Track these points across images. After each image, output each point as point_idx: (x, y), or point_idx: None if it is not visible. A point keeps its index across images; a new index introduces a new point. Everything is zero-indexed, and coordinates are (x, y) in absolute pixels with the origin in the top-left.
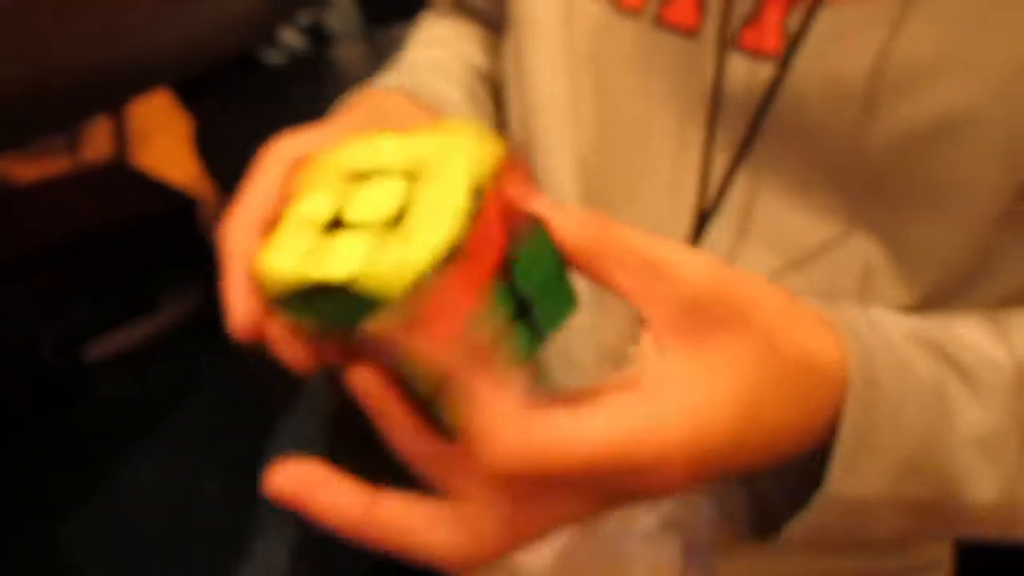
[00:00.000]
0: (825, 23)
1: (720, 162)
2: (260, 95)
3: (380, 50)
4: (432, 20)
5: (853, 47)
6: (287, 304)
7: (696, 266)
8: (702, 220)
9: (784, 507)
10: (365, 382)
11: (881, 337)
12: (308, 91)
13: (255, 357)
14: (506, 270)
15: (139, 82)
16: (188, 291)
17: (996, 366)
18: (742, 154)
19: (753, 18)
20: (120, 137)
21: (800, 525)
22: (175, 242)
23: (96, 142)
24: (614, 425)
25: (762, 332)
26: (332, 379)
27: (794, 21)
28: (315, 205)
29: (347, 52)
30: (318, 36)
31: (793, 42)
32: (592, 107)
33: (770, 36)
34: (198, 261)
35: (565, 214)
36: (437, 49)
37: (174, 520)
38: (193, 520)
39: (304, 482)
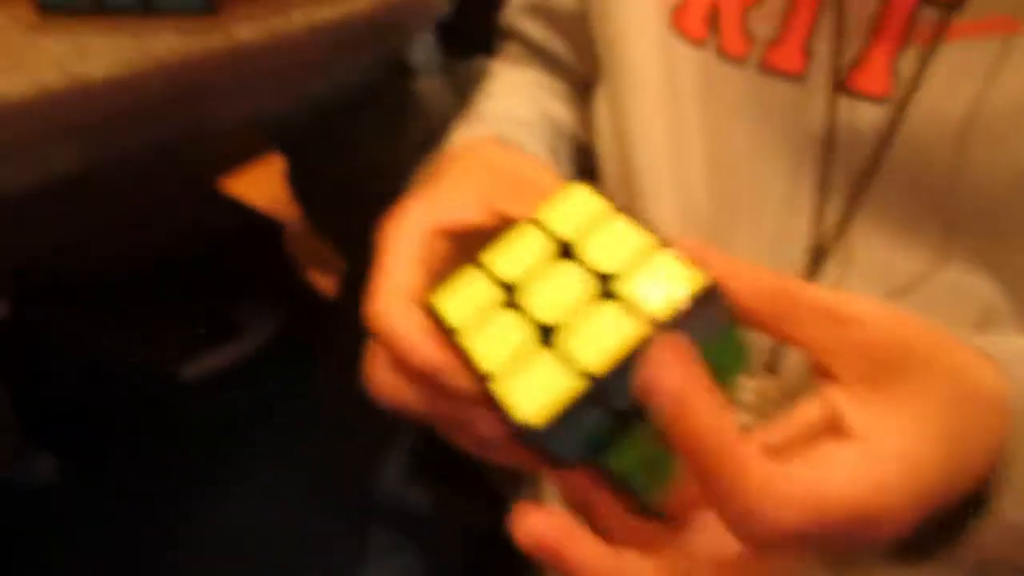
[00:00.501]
0: (941, 64)
1: (835, 202)
2: (346, 130)
3: (458, 83)
4: (508, 69)
5: (967, 86)
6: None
7: (880, 317)
8: (816, 259)
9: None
10: (577, 491)
11: None
12: (392, 127)
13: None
14: None
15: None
16: (271, 315)
17: None
18: (858, 195)
19: (860, 61)
20: None
21: (963, 547)
22: (259, 266)
23: None
24: (857, 479)
25: (946, 376)
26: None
27: (903, 62)
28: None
29: (426, 84)
30: (399, 68)
31: (909, 84)
32: (699, 151)
33: (879, 78)
34: (281, 285)
35: (745, 273)
36: (516, 101)
37: (257, 530)
38: (274, 527)
39: (558, 533)
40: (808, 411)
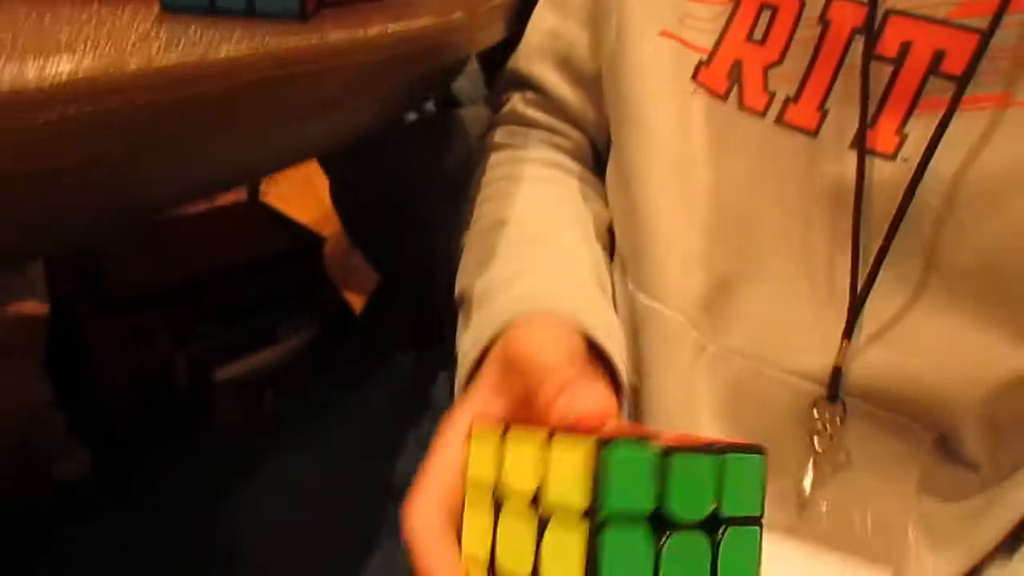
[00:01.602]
0: (958, 129)
1: (848, 254)
2: (390, 150)
3: None
4: (530, 170)
5: (964, 152)
6: None
7: None
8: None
9: None
10: None
11: None
12: (436, 150)
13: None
14: None
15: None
16: (306, 325)
17: None
18: (884, 248)
19: (872, 123)
20: (252, 192)
21: None
22: (299, 278)
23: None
24: None
25: None
26: None
27: (911, 127)
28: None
29: (469, 113)
30: (444, 96)
31: (918, 147)
32: (709, 201)
33: (888, 139)
34: (317, 298)
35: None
36: (563, 221)
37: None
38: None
39: None
40: None
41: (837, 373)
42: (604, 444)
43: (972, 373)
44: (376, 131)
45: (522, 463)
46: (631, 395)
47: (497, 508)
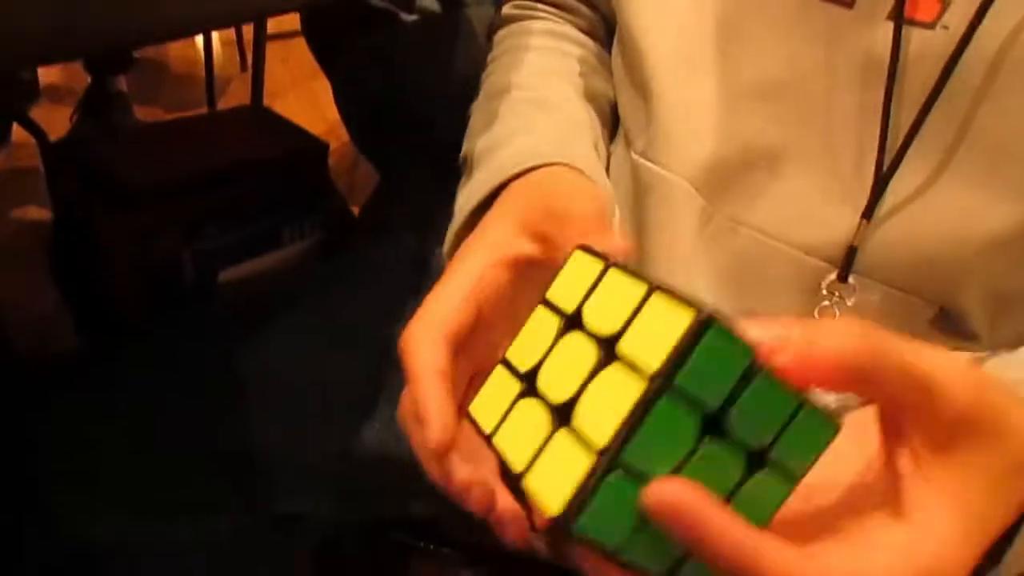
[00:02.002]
0: None
1: (903, 120)
2: (395, 52)
3: None
4: (536, 39)
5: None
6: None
7: (965, 385)
8: (878, 188)
9: None
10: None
11: None
12: (441, 50)
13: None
14: (720, 429)
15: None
16: (310, 230)
17: None
18: (919, 120)
19: None
20: (256, 93)
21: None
22: (304, 183)
23: (233, 98)
24: (902, 568)
25: (1012, 442)
26: None
27: None
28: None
29: (477, 12)
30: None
31: (963, 13)
32: (726, 70)
33: (930, 6)
34: (322, 203)
35: (827, 338)
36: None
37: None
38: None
39: (695, 503)
40: (860, 469)
41: (852, 252)
42: (705, 321)
43: (984, 244)
44: None
45: (611, 303)
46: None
47: (560, 333)
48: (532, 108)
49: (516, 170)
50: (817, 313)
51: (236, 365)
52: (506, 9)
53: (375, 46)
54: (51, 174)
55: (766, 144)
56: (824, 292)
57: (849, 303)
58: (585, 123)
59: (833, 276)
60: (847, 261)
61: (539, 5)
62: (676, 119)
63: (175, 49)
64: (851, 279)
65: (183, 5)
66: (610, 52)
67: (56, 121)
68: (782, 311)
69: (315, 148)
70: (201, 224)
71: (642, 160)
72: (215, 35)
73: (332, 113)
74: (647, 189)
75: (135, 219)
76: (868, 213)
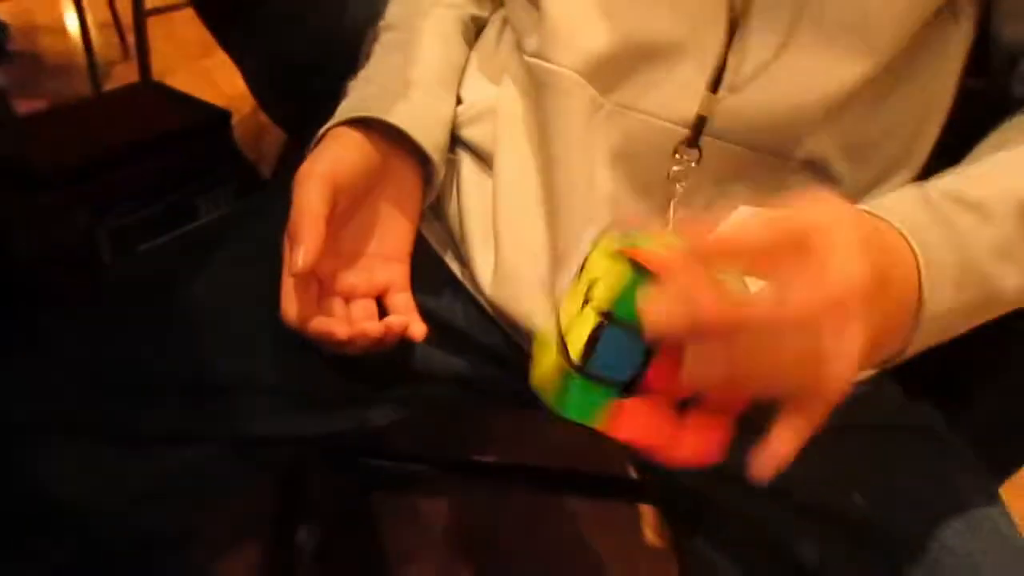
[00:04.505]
0: None
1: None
2: (305, 10)
3: None
4: None
5: None
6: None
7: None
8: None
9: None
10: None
11: (931, 213)
12: (334, 10)
13: None
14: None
15: None
16: (225, 200)
17: (1004, 194)
18: None
19: None
20: (144, 72)
21: (914, 344)
22: (211, 152)
23: (119, 83)
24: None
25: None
26: None
27: None
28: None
29: None
30: None
31: None
32: None
33: None
34: (232, 172)
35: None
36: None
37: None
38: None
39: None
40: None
41: (701, 121)
42: (637, 269)
43: (830, 103)
44: None
45: (605, 272)
46: (538, 152)
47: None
48: (389, 54)
49: (342, 118)
50: (668, 175)
51: (179, 299)
52: None
53: (284, 9)
54: None
55: (645, 35)
56: (676, 156)
57: (693, 165)
58: (432, 62)
59: (682, 142)
60: (696, 130)
61: None
62: (562, 18)
63: (47, 38)
64: (702, 143)
65: None
66: None
67: None
68: (657, 176)
69: (216, 117)
70: (111, 202)
71: (535, 60)
72: (90, 17)
73: (229, 87)
74: (542, 85)
75: (40, 200)
76: (713, 87)
